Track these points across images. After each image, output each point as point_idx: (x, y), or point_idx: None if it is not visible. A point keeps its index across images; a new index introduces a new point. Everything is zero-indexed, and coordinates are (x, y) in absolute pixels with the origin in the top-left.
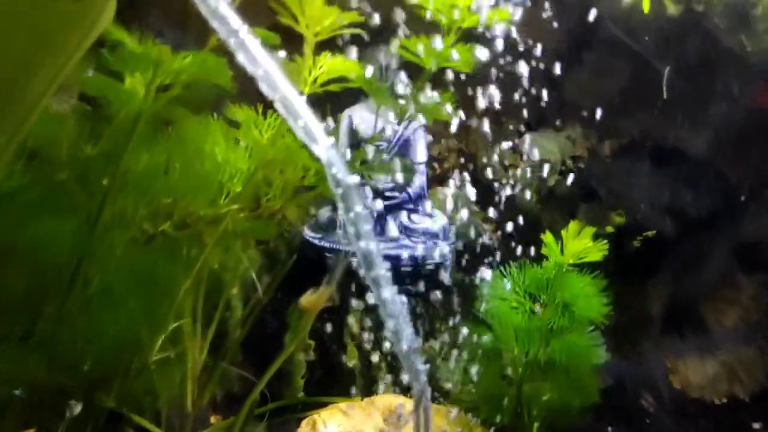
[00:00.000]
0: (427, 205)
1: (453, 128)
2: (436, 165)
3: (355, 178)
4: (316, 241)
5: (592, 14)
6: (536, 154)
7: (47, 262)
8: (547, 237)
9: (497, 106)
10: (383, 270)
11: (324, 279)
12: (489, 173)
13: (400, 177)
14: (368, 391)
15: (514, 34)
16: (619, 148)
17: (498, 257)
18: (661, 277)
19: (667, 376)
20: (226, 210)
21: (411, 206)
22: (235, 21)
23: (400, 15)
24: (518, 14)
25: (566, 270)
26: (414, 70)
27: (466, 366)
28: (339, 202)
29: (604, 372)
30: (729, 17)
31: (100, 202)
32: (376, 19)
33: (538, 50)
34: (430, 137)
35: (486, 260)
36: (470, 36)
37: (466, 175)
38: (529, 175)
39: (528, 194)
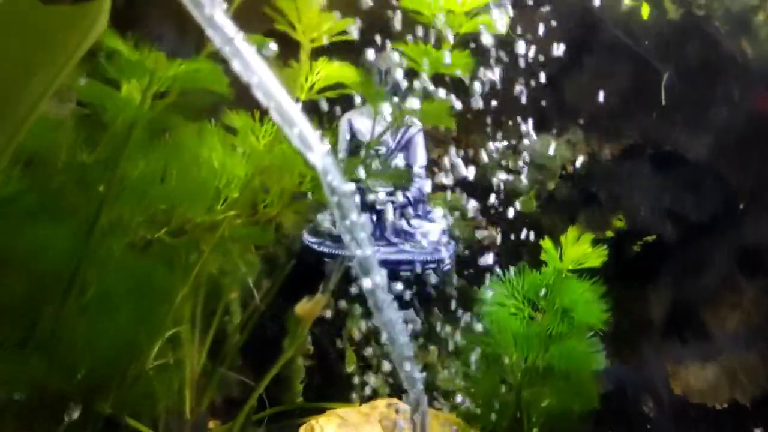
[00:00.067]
0: (427, 209)
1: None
2: (435, 169)
3: (351, 186)
4: (316, 246)
5: (593, 17)
6: (536, 159)
7: (44, 268)
8: (546, 243)
9: (497, 109)
10: (379, 277)
11: (320, 287)
12: (488, 177)
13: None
14: (366, 396)
15: (514, 36)
16: (619, 152)
17: (497, 262)
18: (662, 281)
19: (668, 381)
20: (222, 216)
21: (410, 210)
22: (230, 29)
23: (398, 20)
24: (518, 17)
25: (565, 276)
26: (414, 75)
27: (465, 371)
28: (335, 210)
29: (605, 377)
30: (729, 22)
31: (96, 208)
32: (375, 24)
33: (538, 53)
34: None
35: (485, 265)
36: (470, 39)
37: (465, 180)
38: (528, 179)
39: (528, 198)
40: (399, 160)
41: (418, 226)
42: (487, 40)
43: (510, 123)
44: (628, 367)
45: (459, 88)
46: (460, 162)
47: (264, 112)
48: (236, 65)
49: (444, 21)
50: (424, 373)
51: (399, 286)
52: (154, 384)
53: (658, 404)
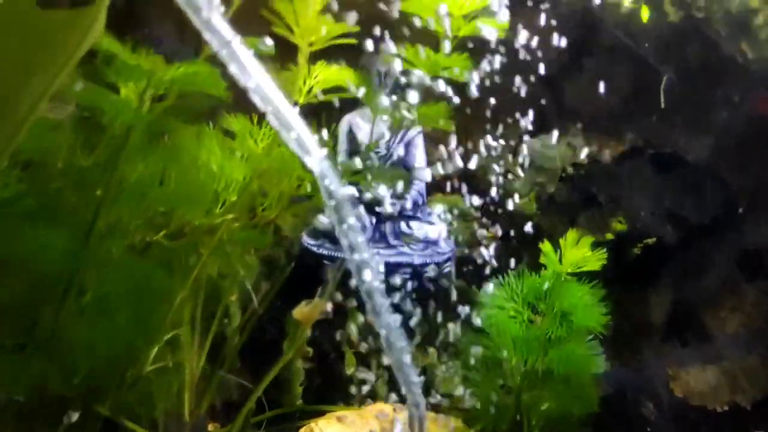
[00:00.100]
0: (426, 211)
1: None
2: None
3: (348, 190)
4: (315, 249)
5: (593, 19)
6: (536, 161)
7: (43, 270)
8: (546, 246)
9: (497, 112)
10: (377, 282)
11: (318, 291)
12: (489, 180)
13: (398, 184)
14: (366, 399)
15: (514, 40)
16: (619, 154)
17: (497, 265)
18: (662, 284)
19: (669, 384)
20: (221, 220)
21: (410, 213)
22: (228, 32)
23: (397, 24)
24: (518, 19)
25: (565, 279)
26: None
27: (465, 374)
28: (332, 215)
29: (605, 380)
30: (729, 24)
31: (94, 211)
32: (374, 27)
33: (538, 57)
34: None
35: (485, 268)
36: (469, 42)
37: (465, 182)
38: (529, 180)
39: (528, 201)
40: (398, 162)
41: (417, 228)
42: (486, 42)
43: (510, 125)
44: (628, 369)
45: (458, 90)
46: (459, 163)
47: (262, 116)
48: (233, 69)
49: (443, 24)
50: (422, 377)
51: (398, 288)
52: (153, 386)
53: (659, 407)
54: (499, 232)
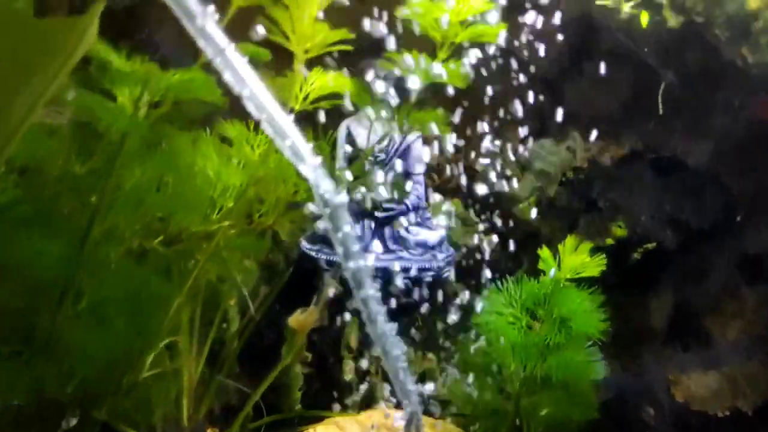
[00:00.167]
0: (425, 216)
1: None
2: (434, 176)
3: (343, 197)
4: (313, 253)
5: (593, 24)
6: (536, 165)
7: (40, 276)
8: (544, 252)
9: (497, 115)
10: (373, 290)
11: (313, 299)
12: (489, 184)
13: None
14: (365, 404)
15: (514, 43)
16: (619, 158)
17: (496, 270)
18: (663, 289)
19: (669, 389)
20: (217, 226)
21: (409, 217)
22: (222, 40)
23: (395, 29)
24: (517, 23)
25: (564, 285)
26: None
27: (464, 379)
28: (327, 222)
29: (605, 385)
30: (729, 29)
31: (89, 218)
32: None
33: (539, 60)
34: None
35: (484, 272)
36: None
37: (465, 185)
38: (529, 186)
39: (527, 205)
40: (397, 167)
41: (416, 233)
42: (485, 46)
43: (509, 129)
44: (629, 374)
45: (458, 93)
46: (459, 168)
47: (259, 122)
48: (228, 77)
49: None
50: (420, 384)
51: (397, 293)
52: (151, 391)
53: (659, 412)
54: (498, 237)
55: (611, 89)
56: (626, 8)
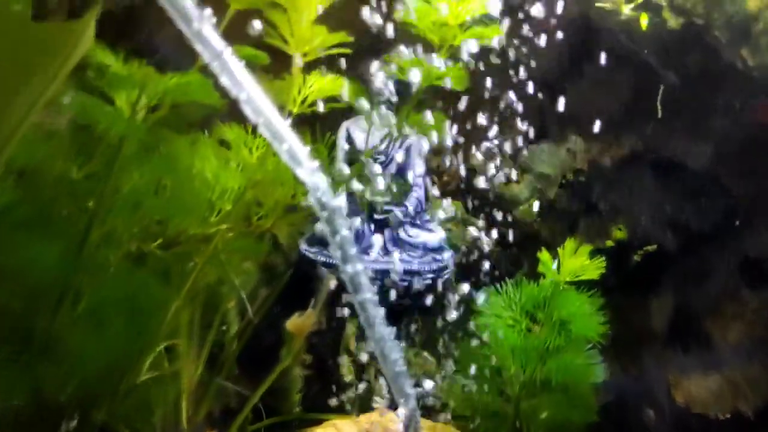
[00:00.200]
0: (425, 218)
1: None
2: (435, 178)
3: (340, 201)
4: (312, 255)
5: (593, 26)
6: (536, 167)
7: (37, 280)
8: (544, 255)
9: (497, 118)
10: (370, 294)
11: (310, 302)
12: (488, 187)
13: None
14: (365, 406)
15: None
16: (619, 160)
17: (497, 272)
18: (664, 291)
19: (670, 391)
20: (215, 229)
21: (409, 220)
22: (219, 44)
23: (394, 32)
24: (517, 26)
25: (563, 288)
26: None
27: (464, 382)
28: (325, 226)
29: (607, 387)
30: (730, 31)
31: (87, 220)
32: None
33: (539, 63)
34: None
35: (484, 275)
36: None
37: (465, 188)
38: (528, 188)
39: (528, 207)
40: (397, 169)
41: (416, 236)
42: (486, 48)
43: (509, 131)
44: (629, 376)
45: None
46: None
47: (256, 125)
48: (224, 80)
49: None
50: (419, 387)
51: (397, 295)
52: (150, 394)
53: (660, 414)
54: (499, 239)
55: (611, 91)
56: (626, 10)
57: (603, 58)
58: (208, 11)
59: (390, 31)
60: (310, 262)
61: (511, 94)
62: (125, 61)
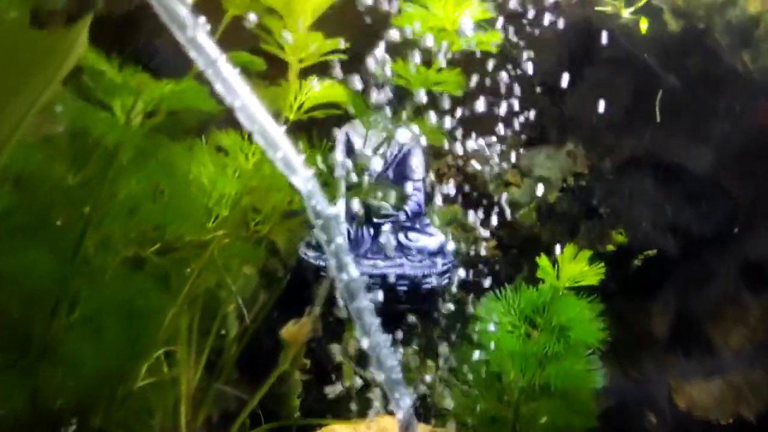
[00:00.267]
0: (425, 222)
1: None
2: (434, 182)
3: (336, 209)
4: (313, 260)
5: (594, 30)
6: (536, 171)
7: (33, 287)
8: (542, 260)
9: (497, 122)
10: (366, 302)
11: (306, 310)
12: (488, 190)
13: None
14: (364, 410)
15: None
16: (620, 164)
17: (496, 276)
18: (665, 295)
19: (671, 396)
20: (211, 236)
21: (408, 224)
22: (213, 51)
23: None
24: (517, 29)
25: (563, 293)
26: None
27: (463, 388)
28: (320, 234)
29: (607, 392)
30: (730, 35)
31: (83, 226)
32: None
33: (539, 66)
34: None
35: (484, 280)
36: (467, 52)
37: (465, 191)
38: (528, 192)
39: (528, 211)
40: (396, 173)
41: (415, 240)
42: (485, 53)
43: (510, 135)
44: (630, 381)
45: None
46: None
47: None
48: (219, 88)
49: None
50: (415, 394)
51: (396, 300)
52: (148, 399)
53: (662, 419)
54: (499, 244)
55: (612, 95)
56: (626, 14)
57: (604, 61)
58: (203, 18)
59: (388, 35)
60: (309, 266)
61: (512, 98)
62: (120, 68)
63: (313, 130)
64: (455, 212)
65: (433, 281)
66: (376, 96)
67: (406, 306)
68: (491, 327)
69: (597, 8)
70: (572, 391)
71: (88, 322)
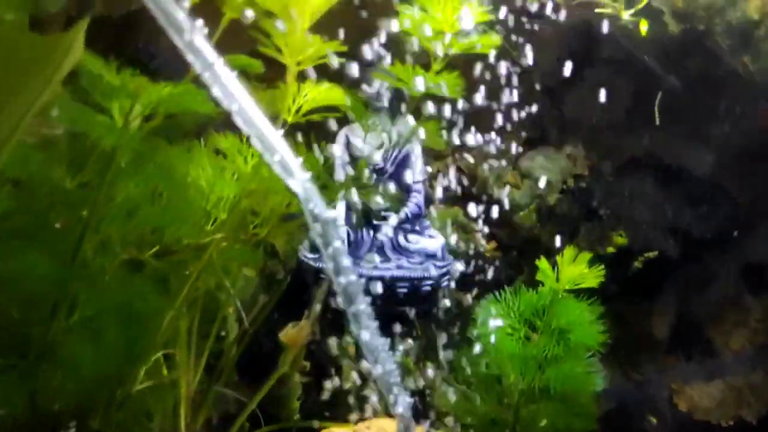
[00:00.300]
0: (425, 224)
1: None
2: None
3: (333, 213)
4: (312, 262)
5: (594, 32)
6: (536, 173)
7: (32, 290)
8: (542, 263)
9: (497, 124)
10: (364, 305)
11: (305, 313)
12: (488, 192)
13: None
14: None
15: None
16: (620, 166)
17: (496, 278)
18: (665, 298)
19: (672, 399)
20: (210, 239)
21: (408, 225)
22: (210, 54)
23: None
24: (517, 31)
25: (563, 296)
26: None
27: (463, 390)
28: (317, 237)
29: (608, 395)
30: (731, 37)
31: (82, 229)
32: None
33: (539, 68)
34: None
35: (484, 282)
36: (467, 54)
37: (465, 194)
38: (528, 194)
39: (528, 213)
40: (396, 175)
41: (415, 242)
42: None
43: (510, 136)
44: (631, 384)
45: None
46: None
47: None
48: (216, 91)
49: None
50: (414, 396)
51: (396, 302)
52: (148, 402)
53: (662, 422)
54: (499, 246)
55: (612, 96)
56: (626, 15)
57: (604, 63)
58: (200, 22)
59: (387, 38)
60: (309, 268)
61: (512, 100)
62: (118, 71)
63: (311, 133)
64: (455, 213)
65: (433, 283)
66: (375, 98)
67: (406, 307)
68: (491, 329)
69: (597, 10)
70: (572, 394)
71: (87, 324)
